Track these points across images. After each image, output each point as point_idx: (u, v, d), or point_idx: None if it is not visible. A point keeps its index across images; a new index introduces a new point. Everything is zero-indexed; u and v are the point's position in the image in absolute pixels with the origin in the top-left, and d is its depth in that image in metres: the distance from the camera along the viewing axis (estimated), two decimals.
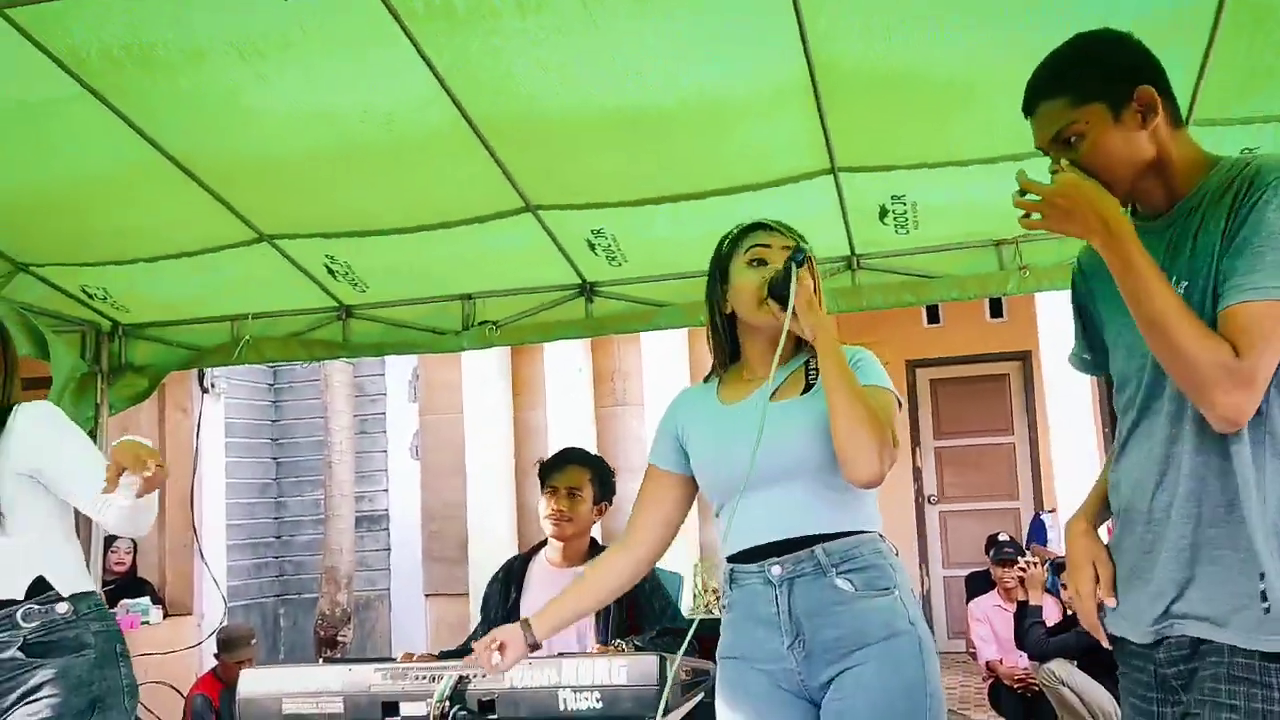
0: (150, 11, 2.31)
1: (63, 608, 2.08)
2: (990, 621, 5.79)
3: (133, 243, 3.46)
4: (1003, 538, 6.77)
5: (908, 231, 3.44)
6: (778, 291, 1.90)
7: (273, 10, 2.31)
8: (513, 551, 7.19)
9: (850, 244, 3.60)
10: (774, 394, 1.95)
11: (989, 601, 5.93)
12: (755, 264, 1.98)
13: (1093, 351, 1.80)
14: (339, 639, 7.41)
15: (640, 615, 2.87)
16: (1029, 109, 1.68)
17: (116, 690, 2.11)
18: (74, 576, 2.13)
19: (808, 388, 1.95)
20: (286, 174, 3.06)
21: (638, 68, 2.57)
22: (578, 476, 3.05)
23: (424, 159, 2.98)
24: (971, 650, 7.08)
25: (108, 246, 3.49)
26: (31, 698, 2.01)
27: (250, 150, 2.92)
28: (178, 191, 3.07)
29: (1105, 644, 1.63)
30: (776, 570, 1.88)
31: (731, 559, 1.95)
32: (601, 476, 3.10)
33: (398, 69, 2.54)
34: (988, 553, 7.02)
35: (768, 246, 1.99)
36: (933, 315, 8.85)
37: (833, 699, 1.85)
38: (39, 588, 2.07)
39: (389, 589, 8.26)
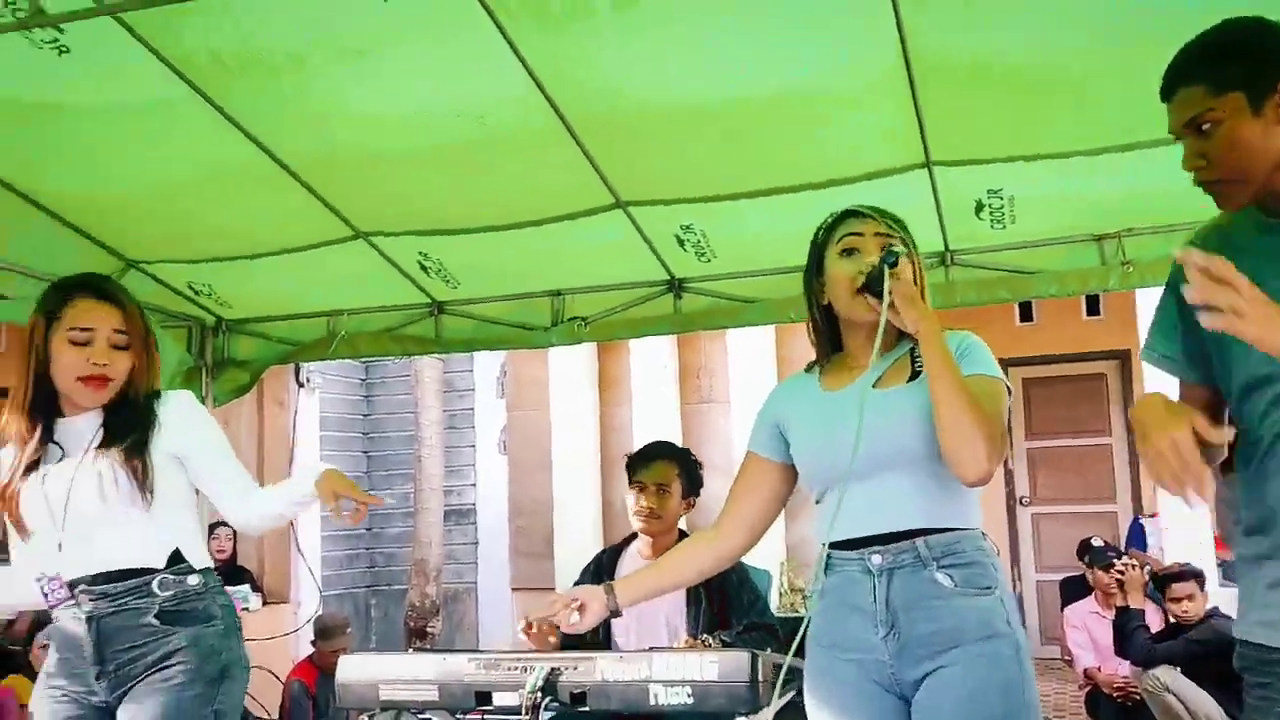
0: (258, 16, 2.38)
1: (194, 579, 2.15)
2: (1088, 628, 5.63)
3: (236, 240, 3.57)
4: (1097, 542, 6.59)
5: (1004, 226, 3.36)
6: (874, 288, 1.84)
7: (372, 12, 2.36)
8: (598, 546, 7.23)
9: (944, 239, 3.54)
10: (878, 381, 1.89)
11: (1086, 608, 5.77)
12: (847, 254, 1.92)
13: (1186, 350, 1.68)
14: (428, 630, 7.55)
15: (730, 609, 2.87)
16: (1167, 93, 1.60)
17: (238, 662, 2.18)
18: (202, 553, 2.22)
19: (914, 375, 1.88)
20: (383, 172, 3.13)
21: (730, 62, 2.56)
22: (666, 471, 3.05)
23: (516, 156, 3.01)
24: (1067, 657, 6.91)
25: (213, 244, 3.61)
26: (166, 663, 2.08)
27: (349, 149, 2.99)
28: (280, 191, 3.16)
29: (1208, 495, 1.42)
30: (877, 560, 1.83)
31: (831, 545, 1.90)
32: (689, 470, 3.10)
33: (492, 66, 2.57)
34: (1081, 558, 6.84)
35: (860, 235, 1.93)
36: (1025, 313, 8.63)
37: (924, 697, 1.80)
38: (174, 559, 2.14)
39: (476, 582, 8.39)
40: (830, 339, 2.00)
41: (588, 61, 2.57)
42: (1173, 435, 1.41)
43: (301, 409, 7.10)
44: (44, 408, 2.17)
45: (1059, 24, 2.42)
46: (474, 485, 8.50)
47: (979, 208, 3.28)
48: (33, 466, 2.15)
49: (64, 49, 2.45)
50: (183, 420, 2.22)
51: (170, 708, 2.06)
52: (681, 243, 3.55)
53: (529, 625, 2.57)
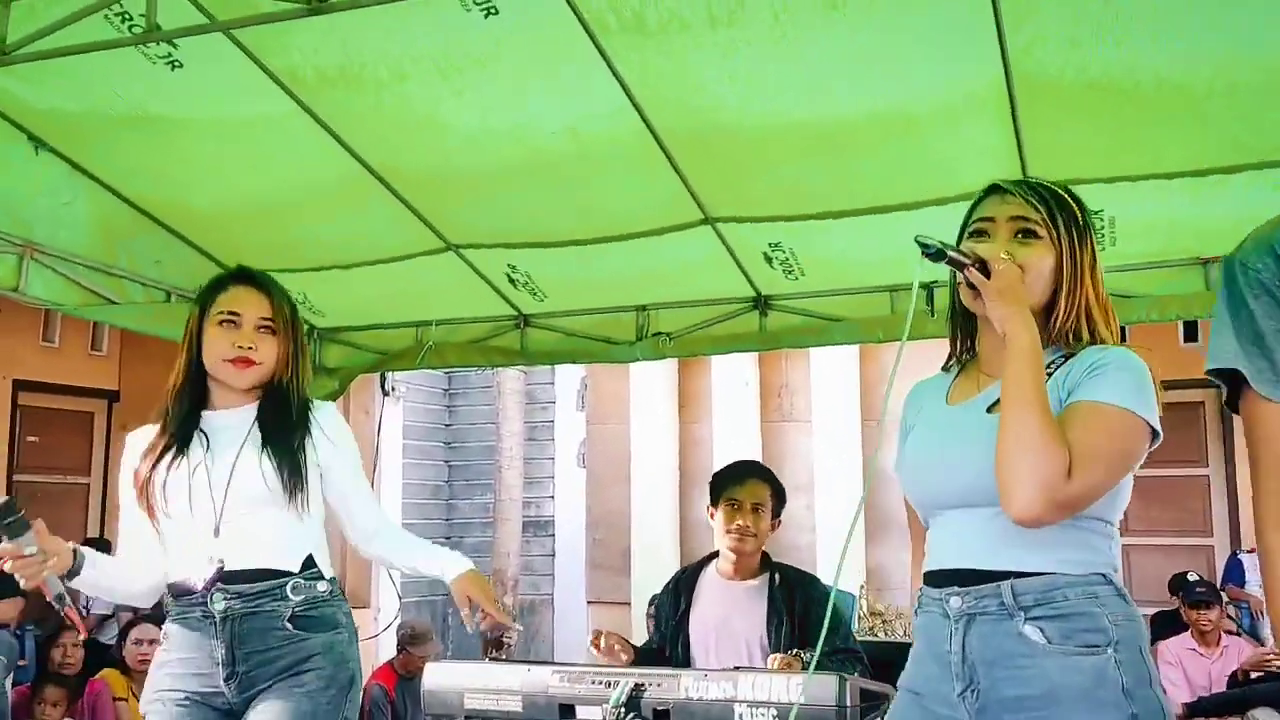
0: (362, 33, 2.44)
1: (323, 586, 2.16)
2: (1182, 665, 5.44)
3: (332, 251, 3.66)
4: (1192, 577, 6.37)
5: (1103, 248, 3.22)
6: (967, 280, 1.61)
7: (472, 29, 2.40)
8: (675, 562, 7.22)
9: None
10: (997, 404, 1.62)
11: (1182, 645, 5.57)
12: (975, 237, 1.68)
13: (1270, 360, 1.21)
14: (504, 640, 7.60)
15: (809, 629, 2.82)
16: None
17: (359, 669, 2.20)
18: (327, 561, 2.23)
19: None
20: (475, 185, 3.17)
21: (826, 80, 2.54)
22: (761, 491, 3.02)
23: (606, 171, 3.03)
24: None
25: (309, 254, 3.69)
26: (301, 669, 2.08)
27: (444, 163, 3.05)
28: (375, 203, 3.23)
29: None
30: (956, 603, 1.60)
31: (925, 578, 1.71)
32: (778, 492, 3.07)
33: (587, 82, 2.60)
34: (1174, 593, 6.62)
35: (992, 220, 1.68)
36: (1119, 338, 8.40)
37: None
38: (308, 564, 2.16)
39: (553, 594, 8.43)
40: (971, 337, 1.75)
41: (682, 77, 2.57)
42: None
43: (386, 418, 7.22)
44: (194, 396, 2.21)
45: (1168, 42, 2.36)
46: (552, 497, 8.56)
47: None
48: (178, 454, 2.15)
49: (177, 64, 2.54)
50: (333, 434, 2.25)
51: (308, 713, 2.06)
52: (769, 260, 3.52)
53: (597, 637, 2.56)
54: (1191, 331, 8.20)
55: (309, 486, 2.17)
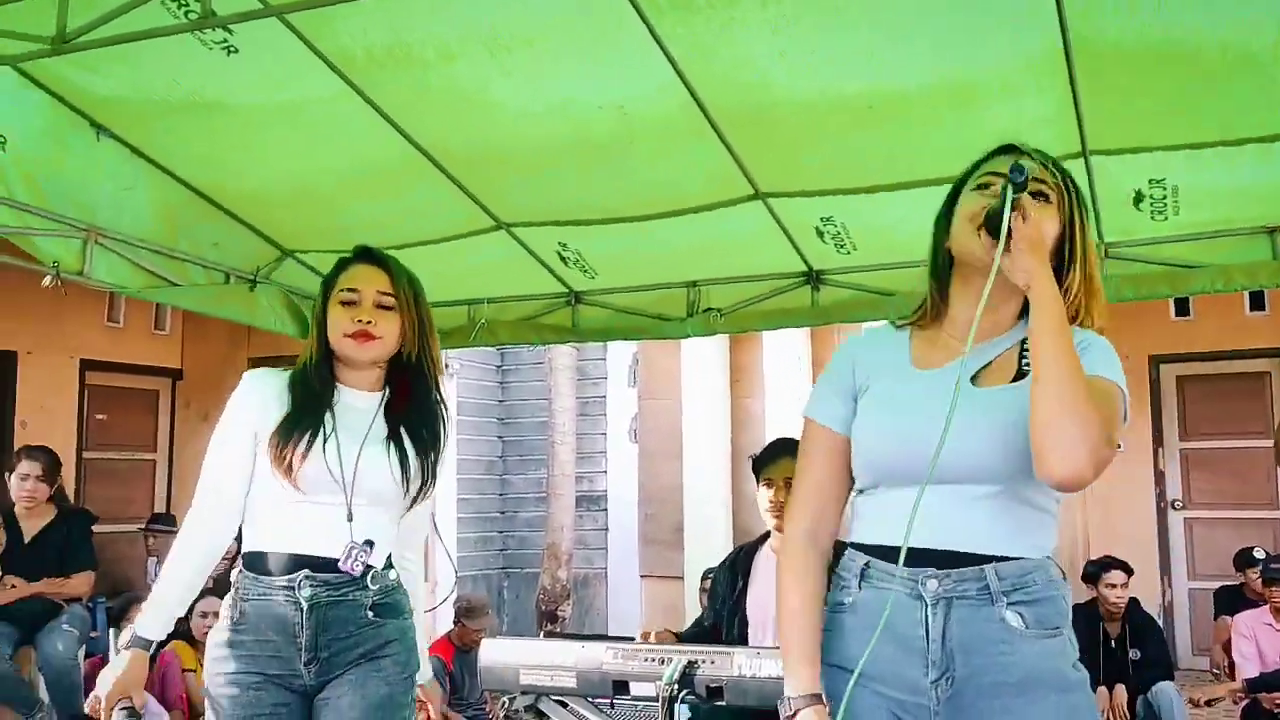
0: (411, 14, 2.45)
1: (393, 575, 2.19)
2: (1256, 639, 5.33)
3: (384, 231, 3.67)
4: (1259, 553, 6.25)
5: (1166, 218, 3.20)
6: (993, 221, 1.53)
7: (519, 8, 2.40)
8: (727, 537, 7.23)
9: (1099, 232, 3.38)
10: (978, 375, 1.58)
11: (1258, 619, 5.45)
12: (983, 188, 1.62)
13: None
14: (559, 614, 7.69)
15: None
16: None
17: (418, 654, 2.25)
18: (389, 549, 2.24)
19: (1019, 375, 1.58)
20: (525, 164, 3.18)
21: (876, 52, 2.51)
22: (793, 467, 3.01)
23: (656, 148, 3.02)
24: (1216, 670, 6.56)
25: (362, 235, 3.67)
26: (380, 654, 2.12)
27: (493, 142, 3.06)
28: (426, 182, 3.25)
29: None
30: (933, 585, 1.52)
31: (869, 550, 1.60)
32: None
33: (635, 59, 2.58)
34: (1238, 568, 6.50)
35: (1002, 175, 1.59)
36: (1181, 307, 8.20)
37: None
38: (388, 561, 2.19)
39: (606, 568, 8.49)
40: (944, 294, 1.67)
41: (731, 52, 2.55)
42: None
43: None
44: (322, 375, 2.21)
45: (1231, 5, 2.29)
46: (605, 472, 8.60)
47: (1138, 199, 3.12)
48: (314, 427, 2.13)
49: (233, 49, 2.57)
50: (448, 435, 2.27)
51: (386, 696, 2.10)
52: (821, 234, 3.50)
53: (645, 636, 2.55)
54: (1257, 301, 7.99)
55: (429, 493, 2.20)
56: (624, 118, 2.86)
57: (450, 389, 8.07)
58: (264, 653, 2.11)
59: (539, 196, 3.44)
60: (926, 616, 1.53)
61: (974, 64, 2.53)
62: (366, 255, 2.28)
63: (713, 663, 2.15)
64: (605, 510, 8.58)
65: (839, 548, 1.69)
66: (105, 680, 2.08)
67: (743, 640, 2.91)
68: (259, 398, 2.19)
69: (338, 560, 2.11)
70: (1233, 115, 2.68)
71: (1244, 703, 5.04)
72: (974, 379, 1.58)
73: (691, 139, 2.92)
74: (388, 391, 2.22)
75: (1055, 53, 2.44)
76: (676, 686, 2.13)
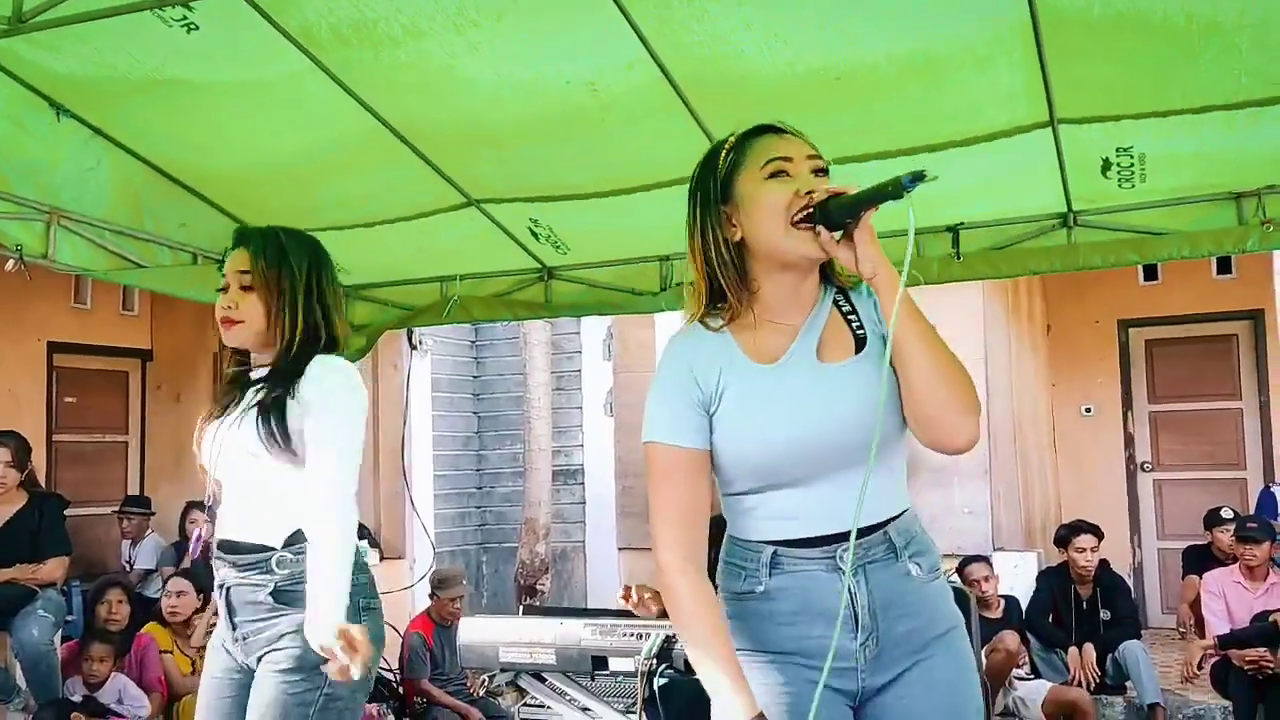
0: None
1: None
2: (1226, 597, 5.44)
3: (354, 209, 3.66)
4: (1226, 514, 6.36)
5: (1133, 185, 3.22)
6: (835, 218, 1.52)
7: None
8: None
9: (1067, 200, 3.40)
10: (820, 353, 1.60)
11: (1228, 577, 5.56)
12: (777, 176, 1.59)
13: None
14: (538, 587, 7.71)
15: None
16: None
17: None
18: None
19: (859, 344, 1.60)
20: (495, 140, 3.16)
21: (845, 24, 2.50)
22: None
23: (626, 123, 3.00)
24: (1182, 629, 6.68)
25: (332, 213, 3.70)
26: (277, 645, 2.08)
27: (462, 119, 3.03)
28: (395, 160, 3.22)
29: None
30: (848, 557, 1.55)
31: (775, 544, 1.60)
32: None
33: (603, 34, 2.56)
34: (1208, 528, 6.61)
35: (788, 159, 1.60)
36: (1150, 272, 8.29)
37: (899, 699, 1.60)
38: (295, 539, 2.08)
39: (584, 541, 8.52)
40: (737, 284, 1.62)
41: (699, 26, 2.53)
42: None
43: (414, 371, 7.27)
44: (237, 361, 2.26)
45: None
46: (581, 446, 8.61)
47: (1106, 166, 3.14)
48: (212, 417, 2.20)
49: (193, 26, 2.53)
50: (312, 392, 2.09)
51: (276, 694, 2.05)
52: None
53: (627, 591, 2.58)
54: (1225, 265, 8.09)
55: (298, 450, 2.05)
56: (594, 93, 2.84)
57: (424, 366, 8.03)
58: (221, 625, 2.20)
59: (509, 173, 3.42)
60: (850, 586, 1.56)
61: (942, 35, 2.53)
62: (238, 237, 2.26)
63: None
64: (582, 484, 8.60)
65: (717, 539, 1.67)
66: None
67: None
68: None
69: (238, 543, 2.13)
70: (1198, 84, 2.69)
71: (1214, 660, 5.14)
72: (817, 357, 1.60)
73: (662, 113, 2.91)
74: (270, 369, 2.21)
75: (1023, 23, 2.44)
76: (655, 661, 2.15)
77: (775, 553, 1.59)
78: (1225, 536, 6.14)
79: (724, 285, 1.62)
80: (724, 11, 2.47)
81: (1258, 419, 8.36)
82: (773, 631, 1.59)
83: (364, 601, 2.13)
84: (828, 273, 1.67)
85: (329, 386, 2.10)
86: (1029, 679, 5.60)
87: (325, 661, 1.94)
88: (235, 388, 2.21)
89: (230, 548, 2.14)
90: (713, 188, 1.65)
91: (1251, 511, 7.12)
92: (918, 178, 1.47)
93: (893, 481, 1.63)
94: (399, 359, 7.34)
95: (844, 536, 1.54)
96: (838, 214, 1.54)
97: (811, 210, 1.55)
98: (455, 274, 4.21)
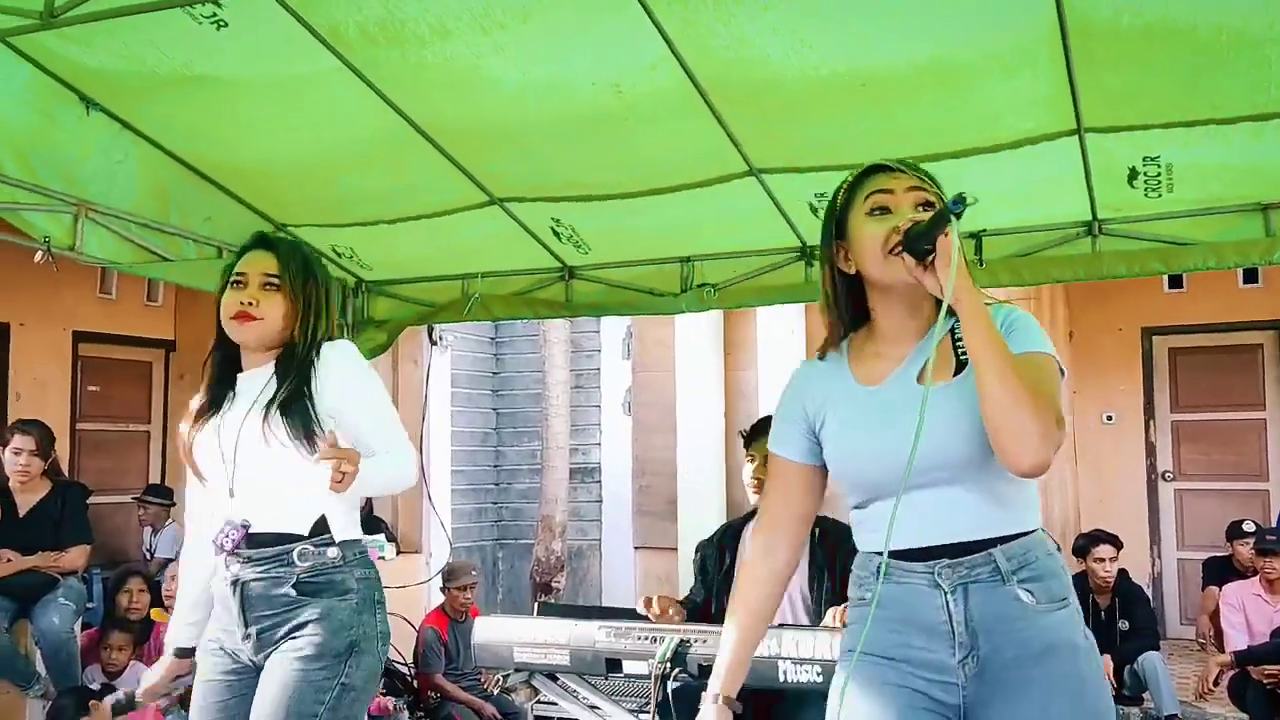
0: None
1: (333, 552, 2.15)
2: (1245, 609, 5.39)
3: (378, 206, 3.68)
4: (1248, 527, 6.30)
5: (1159, 195, 3.19)
6: (915, 246, 1.60)
7: None
8: (720, 508, 7.26)
9: (1092, 209, 3.38)
10: (922, 376, 1.67)
11: (1248, 589, 5.51)
12: (876, 213, 1.69)
13: None
14: (553, 585, 7.73)
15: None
16: None
17: (372, 636, 2.17)
18: (346, 523, 2.21)
19: (959, 367, 1.68)
20: (519, 140, 3.17)
21: (870, 30, 2.49)
22: None
23: (650, 125, 3.01)
24: (1201, 640, 6.63)
25: (355, 209, 3.72)
26: (297, 634, 2.11)
27: (487, 118, 3.04)
28: (419, 158, 3.24)
29: None
30: (948, 574, 1.65)
31: (891, 555, 1.68)
32: None
33: (629, 35, 2.57)
34: (1230, 539, 6.55)
35: (890, 193, 1.70)
36: (1175, 280, 8.20)
37: (1002, 713, 1.64)
38: (319, 529, 2.15)
39: (600, 540, 8.53)
40: (850, 316, 1.77)
41: (725, 30, 2.53)
42: None
43: (434, 367, 7.29)
44: (225, 360, 2.28)
45: None
46: (599, 445, 8.62)
47: (1132, 175, 3.12)
48: (209, 413, 2.22)
49: (222, 23, 2.55)
50: (339, 371, 2.18)
51: (294, 679, 2.07)
52: (815, 210, 3.48)
53: (648, 602, 2.59)
54: (1250, 274, 8.00)
55: (317, 437, 2.10)
56: (618, 94, 2.84)
57: (444, 361, 8.06)
58: (221, 626, 2.21)
59: (533, 172, 3.43)
60: (947, 603, 1.64)
61: (968, 43, 2.52)
62: (260, 240, 2.32)
63: (705, 641, 2.18)
64: (599, 482, 8.61)
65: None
66: (146, 676, 2.31)
67: None
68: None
69: (258, 535, 2.15)
70: (1226, 94, 2.67)
71: (1232, 674, 5.10)
72: (919, 379, 1.67)
73: (686, 115, 2.91)
74: (276, 366, 2.24)
75: (1051, 32, 2.43)
76: (669, 665, 2.15)
77: (886, 564, 1.67)
78: (1246, 549, 6.08)
79: (838, 315, 1.77)
80: (750, 15, 2.47)
81: None
82: (884, 637, 1.68)
83: (378, 595, 2.22)
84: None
85: (350, 363, 2.22)
86: None
87: (347, 653, 2.08)
88: (225, 386, 2.25)
89: (249, 541, 2.16)
90: (830, 226, 1.78)
91: (1273, 524, 7.05)
92: (958, 201, 1.54)
93: (995, 503, 1.66)
94: (419, 354, 7.37)
95: (940, 550, 1.64)
96: (914, 243, 1.61)
97: (899, 240, 1.64)
98: (477, 272, 4.22)
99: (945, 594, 1.64)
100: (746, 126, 3.03)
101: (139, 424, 7.90)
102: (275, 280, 2.23)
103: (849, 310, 1.76)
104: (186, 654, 2.29)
